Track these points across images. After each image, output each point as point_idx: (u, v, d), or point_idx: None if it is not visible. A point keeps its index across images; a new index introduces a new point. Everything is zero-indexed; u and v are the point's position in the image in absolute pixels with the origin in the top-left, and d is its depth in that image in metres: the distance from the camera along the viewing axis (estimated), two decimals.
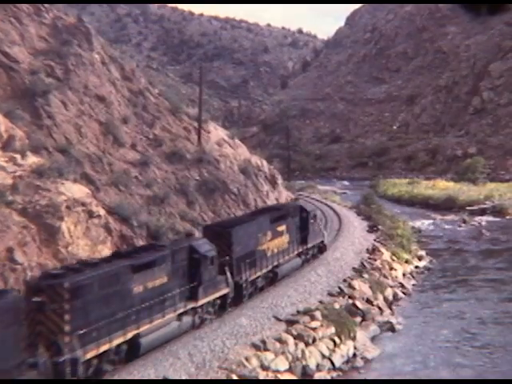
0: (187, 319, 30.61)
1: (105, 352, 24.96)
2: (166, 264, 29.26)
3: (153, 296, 27.88)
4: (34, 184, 33.63)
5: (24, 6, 48.55)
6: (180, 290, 30.01)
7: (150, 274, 28.09)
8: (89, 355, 23.99)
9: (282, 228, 41.77)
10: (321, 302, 38.02)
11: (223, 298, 33.95)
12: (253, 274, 37.16)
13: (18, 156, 35.03)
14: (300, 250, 44.36)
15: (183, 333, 29.97)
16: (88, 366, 24.17)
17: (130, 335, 26.32)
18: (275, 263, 40.21)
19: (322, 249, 48.69)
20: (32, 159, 35.67)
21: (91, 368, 24.41)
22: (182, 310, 30.15)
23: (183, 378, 25.64)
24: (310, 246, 46.01)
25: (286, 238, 42.10)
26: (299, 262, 44.34)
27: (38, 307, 23.17)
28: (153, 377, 25.18)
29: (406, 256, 55.49)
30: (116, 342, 25.50)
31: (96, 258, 30.32)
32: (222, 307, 33.92)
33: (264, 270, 38.82)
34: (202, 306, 31.98)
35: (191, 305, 30.93)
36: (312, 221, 46.36)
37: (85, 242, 33.83)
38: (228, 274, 34.30)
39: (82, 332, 23.64)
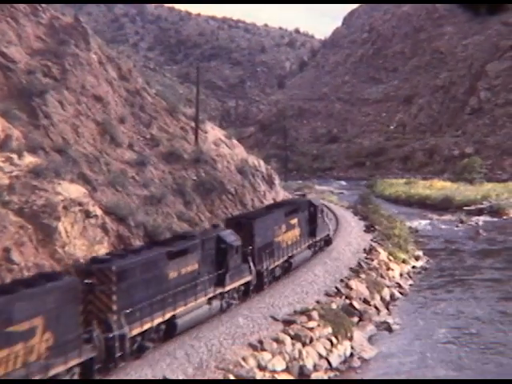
0: (216, 303, 33.38)
1: (147, 330, 27.87)
2: (196, 252, 32.18)
3: (186, 281, 30.67)
4: (30, 184, 33.59)
5: (21, 6, 48.51)
6: (209, 276, 32.83)
7: (184, 261, 31.00)
8: (134, 332, 26.88)
9: (295, 221, 44.68)
10: (318, 301, 38.04)
11: (246, 284, 36.79)
12: (272, 263, 40.17)
13: (14, 156, 34.98)
14: (310, 242, 47.33)
15: (213, 315, 32.80)
16: (133, 342, 26.99)
17: (167, 316, 29.19)
18: (289, 254, 43.16)
19: (327, 242, 51.71)
20: (29, 159, 35.62)
21: (135, 344, 27.25)
22: (211, 295, 32.91)
23: (181, 378, 25.63)
24: (318, 238, 49.19)
25: (297, 231, 44.94)
26: (309, 254, 47.28)
27: (89, 288, 25.74)
28: (150, 377, 25.18)
29: (403, 256, 55.51)
30: (156, 321, 28.44)
31: (136, 246, 34.37)
32: (246, 293, 36.76)
33: (281, 260, 41.83)
34: (229, 291, 34.68)
35: (219, 290, 33.61)
36: (320, 215, 49.58)
37: (82, 242, 33.79)
38: (251, 262, 37.19)
39: (127, 311, 26.51)
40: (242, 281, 36.25)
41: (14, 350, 21.03)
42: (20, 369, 21.24)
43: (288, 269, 43.04)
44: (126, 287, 26.86)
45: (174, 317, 29.70)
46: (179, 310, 29.98)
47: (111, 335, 25.61)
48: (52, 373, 22.22)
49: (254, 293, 37.58)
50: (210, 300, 32.82)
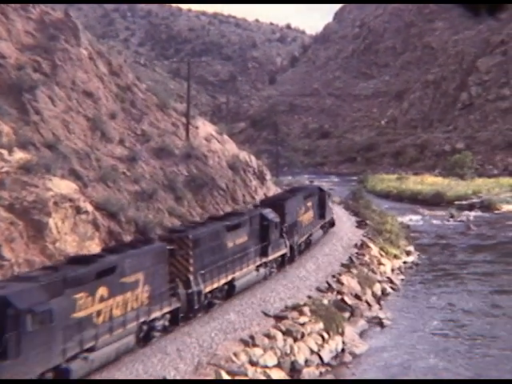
0: (262, 270, 39.73)
1: (215, 289, 33.75)
2: (246, 227, 38.10)
3: (239, 250, 36.59)
4: (21, 180, 33.47)
5: None
6: (255, 247, 38.84)
7: (237, 234, 36.86)
8: (207, 289, 32.74)
9: (310, 204, 51.07)
10: (309, 297, 38.06)
11: (282, 256, 43.19)
12: (298, 239, 46.51)
13: (5, 152, 34.85)
14: (321, 223, 53.90)
15: (259, 280, 39.07)
16: (205, 298, 32.77)
17: (229, 278, 35.24)
18: (309, 232, 49.75)
19: (332, 224, 58.31)
20: (19, 155, 35.49)
21: (206, 300, 33.06)
22: (258, 263, 39.21)
23: (172, 373, 25.60)
24: (326, 220, 55.80)
25: (311, 213, 51.22)
26: (321, 233, 53.92)
27: (171, 253, 30.89)
28: (141, 372, 25.15)
29: (394, 251, 55.59)
30: (222, 281, 34.44)
31: (199, 220, 41.08)
32: (282, 264, 43.10)
33: (304, 237, 48.41)
34: (270, 261, 40.91)
35: (264, 260, 39.90)
36: (327, 200, 56.50)
37: (72, 237, 33.70)
38: (285, 237, 43.33)
39: (201, 272, 32.33)
40: (280, 253, 42.64)
41: (126, 296, 26.73)
42: (131, 311, 26.92)
43: (308, 245, 49.56)
44: (199, 252, 32.53)
45: (233, 279, 35.72)
46: (237, 274, 36.03)
47: (190, 291, 31.49)
48: (152, 316, 28.31)
49: (288, 264, 43.89)
50: (257, 267, 39.04)
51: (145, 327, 28.18)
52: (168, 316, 29.79)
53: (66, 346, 23.22)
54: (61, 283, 23.49)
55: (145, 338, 28.24)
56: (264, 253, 39.84)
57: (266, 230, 40.14)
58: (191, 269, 31.78)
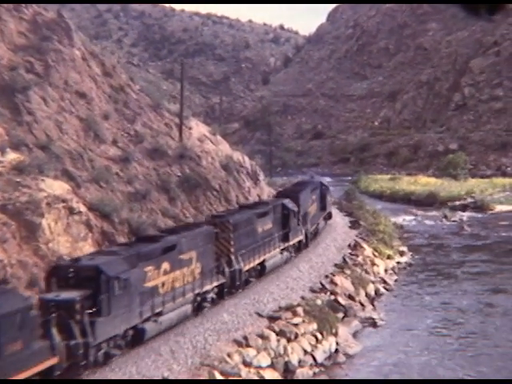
0: (284, 254, 44.87)
1: (251, 268, 38.69)
2: (271, 215, 43.13)
3: (266, 236, 41.53)
4: (13, 181, 33.38)
5: None
6: (278, 233, 43.74)
7: (264, 221, 41.77)
8: (245, 268, 37.54)
9: (314, 197, 55.68)
10: (303, 298, 38.09)
11: (299, 242, 48.51)
12: (310, 227, 51.56)
13: None
14: (323, 214, 58.92)
15: (283, 263, 44.29)
16: (244, 275, 37.50)
17: (261, 259, 40.36)
18: (317, 222, 54.82)
19: (330, 216, 62.70)
20: (12, 156, 35.40)
21: (245, 277, 37.85)
22: (282, 247, 44.32)
23: (165, 374, 25.57)
24: (327, 212, 60.74)
25: (316, 205, 55.80)
26: (324, 224, 58.90)
27: (215, 236, 35.54)
28: (134, 373, 25.11)
29: (387, 252, 55.65)
30: (256, 262, 39.48)
31: (233, 209, 45.83)
32: (298, 249, 48.32)
33: (314, 226, 53.64)
34: (290, 246, 46.07)
35: (286, 244, 45.06)
36: (328, 193, 61.60)
37: (65, 238, 33.62)
38: (301, 225, 48.49)
39: (240, 253, 37.01)
40: (298, 239, 47.94)
41: (183, 271, 31.27)
42: (187, 285, 31.34)
43: (316, 233, 54.90)
44: (238, 236, 37.23)
45: (264, 260, 40.85)
46: (266, 256, 41.13)
47: (233, 269, 36.19)
48: (204, 289, 33.10)
49: (304, 248, 49.45)
50: (281, 251, 44.12)
51: (198, 298, 32.95)
52: (215, 290, 34.71)
53: (141, 309, 27.93)
54: (136, 257, 28.27)
55: (198, 307, 32.92)
56: (285, 238, 45.09)
57: (287, 218, 45.45)
58: (232, 250, 36.57)
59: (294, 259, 46.33)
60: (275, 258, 42.93)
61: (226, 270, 35.83)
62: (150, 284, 28.63)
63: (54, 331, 23.24)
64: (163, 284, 29.75)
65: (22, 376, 21.32)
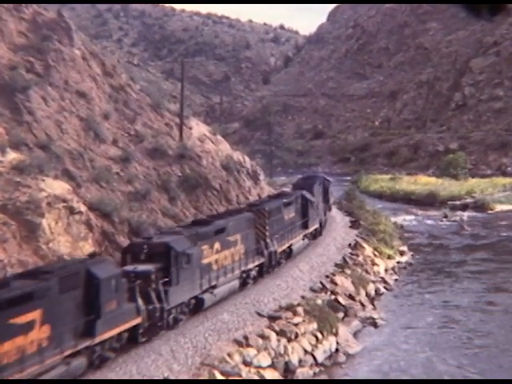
0: (305, 240, 50.02)
1: (282, 251, 43.73)
2: (294, 204, 47.89)
3: (291, 223, 46.12)
4: (14, 180, 33.37)
5: None
6: (300, 222, 48.46)
7: (289, 210, 46.46)
8: (279, 250, 42.69)
9: (321, 190, 59.31)
10: (303, 297, 38.05)
11: (315, 230, 53.60)
12: (322, 217, 57.23)
13: None
14: (327, 207, 62.62)
15: (304, 247, 49.34)
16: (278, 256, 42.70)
17: (289, 243, 45.27)
18: (323, 214, 58.45)
19: (330, 208, 65.95)
20: (12, 155, 35.39)
21: (278, 258, 42.82)
22: (304, 234, 49.21)
23: (165, 374, 25.56)
24: (330, 203, 65.15)
25: (321, 197, 58.47)
26: (327, 216, 61.98)
27: (254, 221, 40.23)
28: (135, 373, 25.09)
29: (388, 251, 55.62)
30: (286, 245, 44.57)
31: (262, 198, 52.29)
32: (314, 237, 53.38)
33: (325, 217, 59.33)
34: (309, 233, 51.10)
35: (306, 232, 49.81)
36: (330, 187, 65.92)
37: (66, 238, 33.61)
38: (316, 215, 53.72)
39: (274, 237, 41.94)
40: (314, 227, 52.91)
41: (231, 250, 35.94)
42: (234, 263, 36.17)
43: (325, 222, 59.10)
44: (271, 222, 41.88)
45: (291, 244, 45.72)
46: (292, 241, 46.03)
47: (269, 250, 41.21)
48: (248, 267, 37.91)
49: (318, 236, 54.62)
50: (302, 237, 48.85)
51: (244, 275, 37.77)
52: (256, 269, 39.68)
53: (201, 281, 32.44)
54: (195, 237, 32.84)
55: (243, 283, 37.72)
56: (305, 226, 49.71)
57: (306, 208, 50.25)
58: (267, 234, 41.20)
59: (311, 244, 51.37)
60: (299, 244, 47.95)
61: (265, 251, 40.83)
62: (205, 261, 33.40)
63: (138, 296, 27.87)
64: (216, 261, 34.52)
65: (115, 331, 26.12)
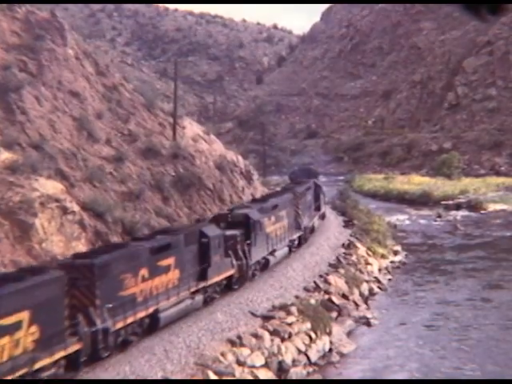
0: (318, 221, 59.30)
1: (309, 227, 54.28)
2: (311, 190, 58.28)
3: (310, 205, 56.05)
4: (6, 180, 33.30)
5: None
6: (314, 205, 58.32)
7: (309, 193, 56.24)
8: (309, 226, 53.61)
9: (311, 194, 61.17)
10: (297, 297, 38.04)
11: (323, 213, 63.48)
12: (323, 209, 64.42)
13: None
14: (317, 214, 64.83)
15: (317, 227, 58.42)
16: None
17: (312, 221, 56.23)
18: (317, 211, 61.23)
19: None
20: (5, 155, 35.32)
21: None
22: (316, 216, 58.67)
23: (159, 374, 25.52)
24: (323, 210, 66.86)
25: (311, 198, 60.13)
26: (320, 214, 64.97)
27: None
28: (128, 373, 25.04)
29: (381, 251, 55.67)
30: (311, 223, 55.21)
31: (289, 183, 66.84)
32: (322, 218, 62.74)
33: (325, 210, 66.19)
34: (319, 215, 60.69)
35: (318, 213, 60.10)
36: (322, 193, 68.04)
37: (59, 238, 33.55)
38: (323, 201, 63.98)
39: (304, 215, 51.83)
40: (323, 210, 63.40)
41: (281, 223, 44.88)
42: (284, 233, 45.45)
43: (324, 216, 64.51)
44: (301, 202, 51.31)
45: (313, 222, 56.27)
46: (314, 219, 57.18)
47: (304, 226, 51.04)
48: (293, 237, 47.89)
49: (324, 218, 63.34)
50: (318, 217, 60.03)
51: (290, 243, 46.70)
52: (297, 240, 49.05)
53: (267, 246, 41.72)
54: (261, 210, 41.60)
55: (290, 250, 46.71)
56: (318, 209, 60.62)
57: (319, 194, 60.80)
58: (300, 212, 50.30)
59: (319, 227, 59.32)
60: (316, 223, 57.37)
61: (302, 225, 50.10)
62: (268, 230, 42.06)
63: (231, 253, 36.20)
64: (274, 230, 43.17)
65: (219, 278, 34.96)
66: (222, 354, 28.26)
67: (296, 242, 48.84)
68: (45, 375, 22.16)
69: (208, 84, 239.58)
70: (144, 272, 28.16)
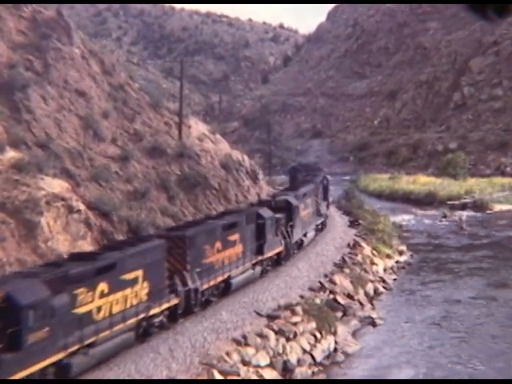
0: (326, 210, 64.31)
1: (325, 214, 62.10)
2: (324, 183, 65.29)
3: (322, 196, 61.90)
4: (12, 179, 33.36)
5: None
6: (322, 195, 61.75)
7: (321, 187, 61.89)
8: (326, 213, 62.65)
9: (322, 185, 65.43)
10: (302, 296, 38.03)
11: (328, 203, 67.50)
12: (330, 199, 70.54)
13: None
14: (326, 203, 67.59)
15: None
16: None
17: (326, 207, 63.61)
18: (326, 201, 65.34)
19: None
20: (11, 154, 35.39)
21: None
22: (324, 205, 62.75)
23: (164, 373, 25.54)
24: (330, 200, 71.33)
25: (322, 189, 64.19)
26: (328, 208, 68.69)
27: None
28: (133, 372, 25.07)
29: (387, 251, 55.61)
30: (325, 209, 62.65)
31: (306, 173, 70.48)
32: (327, 206, 66.18)
33: (330, 200, 71.04)
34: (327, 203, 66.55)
35: (326, 202, 64.29)
36: (330, 187, 73.66)
37: (64, 237, 33.60)
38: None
39: (323, 203, 61.18)
40: (331, 199, 70.90)
41: (308, 210, 52.32)
42: (311, 218, 53.07)
43: (328, 206, 67.57)
44: (320, 191, 60.28)
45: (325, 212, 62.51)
46: (326, 207, 63.86)
47: (323, 213, 59.36)
48: (317, 223, 55.81)
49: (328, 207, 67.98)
50: (327, 206, 65.06)
51: (315, 228, 54.82)
52: (320, 225, 57.24)
53: (302, 228, 48.45)
54: (296, 197, 48.05)
55: (315, 234, 54.46)
56: (326, 198, 64.66)
57: (326, 187, 66.42)
58: (319, 201, 57.86)
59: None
60: (326, 211, 62.63)
61: (321, 212, 57.93)
62: (302, 214, 48.63)
63: (279, 233, 42.63)
64: (305, 215, 50.41)
65: (272, 253, 41.49)
66: (227, 354, 28.27)
67: (320, 227, 56.94)
68: (156, 321, 28.62)
69: (214, 83, 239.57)
70: (218, 245, 34.39)
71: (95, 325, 24.32)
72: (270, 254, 41.03)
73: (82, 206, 36.02)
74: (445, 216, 79.17)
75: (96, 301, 24.47)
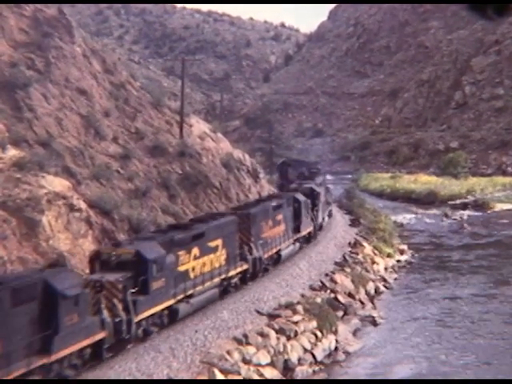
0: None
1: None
2: (324, 175, 70.69)
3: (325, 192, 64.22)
4: (14, 177, 33.37)
5: None
6: (325, 192, 62.84)
7: (325, 180, 64.34)
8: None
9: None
10: (303, 295, 38.05)
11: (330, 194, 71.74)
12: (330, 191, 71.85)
13: None
14: (329, 201, 68.69)
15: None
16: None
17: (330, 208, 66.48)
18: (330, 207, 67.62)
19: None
20: (12, 152, 35.39)
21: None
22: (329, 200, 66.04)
23: (165, 372, 25.55)
24: (333, 198, 73.49)
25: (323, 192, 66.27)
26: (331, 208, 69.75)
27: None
28: (134, 370, 25.08)
29: (387, 250, 55.62)
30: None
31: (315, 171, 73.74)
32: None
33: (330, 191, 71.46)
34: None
35: (329, 200, 66.77)
36: (331, 186, 77.77)
37: (66, 235, 33.60)
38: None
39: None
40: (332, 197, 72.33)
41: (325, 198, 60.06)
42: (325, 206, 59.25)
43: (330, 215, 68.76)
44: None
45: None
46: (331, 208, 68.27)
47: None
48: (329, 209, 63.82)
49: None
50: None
51: (328, 214, 60.75)
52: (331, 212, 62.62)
53: (322, 213, 56.18)
54: (316, 185, 53.77)
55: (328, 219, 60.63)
56: (328, 191, 66.84)
57: (324, 180, 70.08)
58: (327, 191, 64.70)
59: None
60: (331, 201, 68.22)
61: (330, 202, 63.05)
62: (321, 200, 55.77)
63: (309, 215, 49.87)
64: (322, 202, 55.97)
65: (306, 231, 48.87)
66: (228, 352, 28.28)
67: (331, 213, 63.59)
68: (233, 282, 35.56)
69: (215, 82, 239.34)
70: (270, 222, 40.86)
71: (192, 281, 30.90)
72: (304, 232, 48.69)
73: (83, 205, 36.03)
74: (446, 215, 79.19)
75: (191, 262, 31.02)
